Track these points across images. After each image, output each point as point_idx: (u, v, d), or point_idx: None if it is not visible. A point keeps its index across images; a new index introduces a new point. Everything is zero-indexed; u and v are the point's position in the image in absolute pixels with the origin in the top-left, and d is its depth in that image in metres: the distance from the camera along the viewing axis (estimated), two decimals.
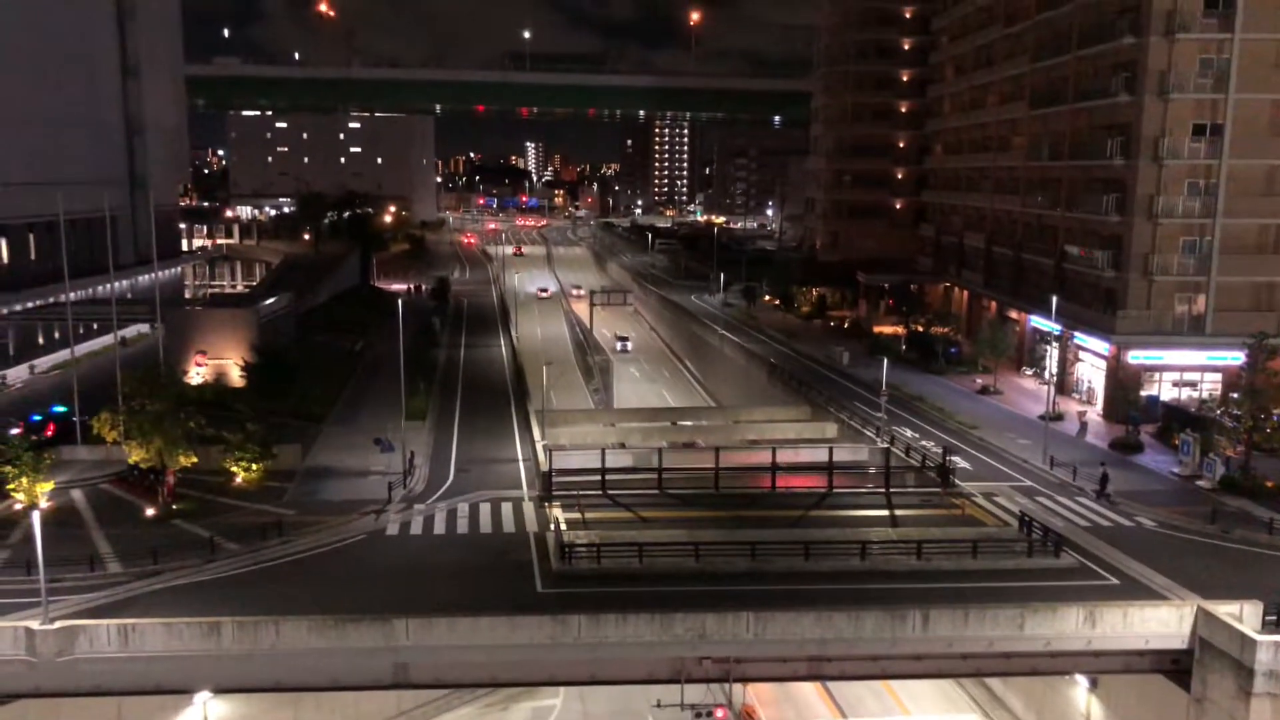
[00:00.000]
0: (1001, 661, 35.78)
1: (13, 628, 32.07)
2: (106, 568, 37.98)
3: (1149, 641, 34.56)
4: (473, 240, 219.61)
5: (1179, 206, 63.22)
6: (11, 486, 43.42)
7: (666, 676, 35.48)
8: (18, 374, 72.91)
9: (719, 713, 40.27)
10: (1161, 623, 34.42)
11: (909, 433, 58.85)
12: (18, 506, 43.59)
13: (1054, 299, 60.87)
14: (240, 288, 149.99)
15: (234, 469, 48.11)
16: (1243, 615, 33.46)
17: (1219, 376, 63.58)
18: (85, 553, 38.75)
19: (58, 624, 32.28)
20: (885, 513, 46.15)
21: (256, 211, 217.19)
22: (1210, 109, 62.24)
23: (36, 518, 32.62)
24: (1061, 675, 38.93)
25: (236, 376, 68.67)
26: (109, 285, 71.99)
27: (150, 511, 44.30)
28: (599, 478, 48.30)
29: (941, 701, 46.43)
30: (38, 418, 55.60)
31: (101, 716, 35.06)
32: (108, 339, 73.45)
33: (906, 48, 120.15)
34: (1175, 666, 34.80)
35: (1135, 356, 63.90)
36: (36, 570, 32.68)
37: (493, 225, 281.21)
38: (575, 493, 46.73)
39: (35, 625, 32.04)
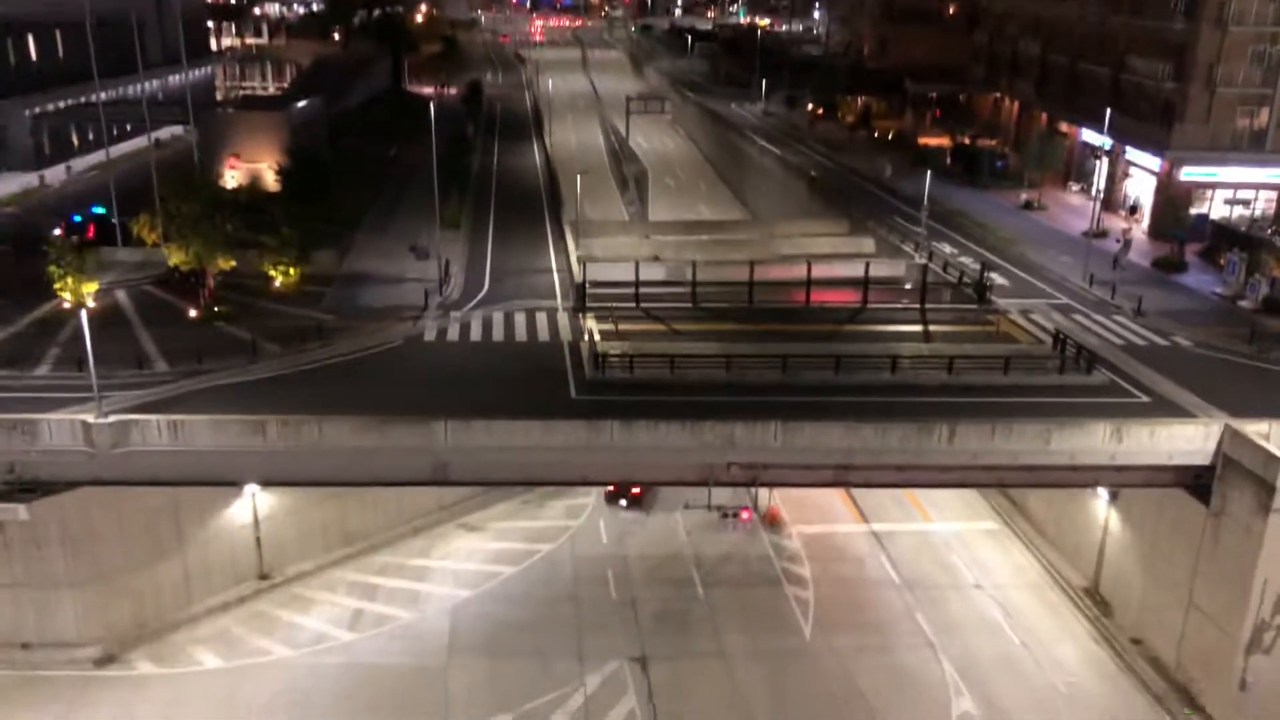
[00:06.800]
0: (1025, 474, 36.39)
1: (70, 420, 33.42)
2: (154, 366, 39.17)
3: (1173, 457, 34.86)
4: (506, 39, 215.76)
5: (1252, 12, 59.56)
6: (58, 285, 44.23)
7: (695, 480, 36.55)
8: (55, 174, 73.23)
9: (744, 514, 41.79)
10: (1187, 440, 34.64)
11: (948, 248, 58.01)
12: (65, 305, 44.61)
13: (1108, 111, 58.42)
14: (271, 90, 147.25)
15: (272, 273, 48.62)
16: (1271, 434, 33.61)
17: (1275, 195, 61.58)
18: (132, 352, 39.91)
19: (111, 418, 33.57)
20: (919, 328, 46.08)
21: (285, 9, 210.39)
22: None
23: (84, 317, 33.39)
24: (1083, 488, 39.72)
25: (271, 180, 68.37)
26: (139, 86, 71.01)
27: (192, 313, 45.19)
28: (633, 290, 48.36)
29: (963, 510, 47.74)
30: (78, 218, 56.08)
31: (160, 502, 36.93)
32: (141, 141, 73.19)
33: None
34: (1197, 482, 35.24)
35: (1189, 173, 61.84)
36: (87, 367, 33.78)
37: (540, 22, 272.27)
38: (609, 305, 46.94)
39: (90, 419, 33.38)
